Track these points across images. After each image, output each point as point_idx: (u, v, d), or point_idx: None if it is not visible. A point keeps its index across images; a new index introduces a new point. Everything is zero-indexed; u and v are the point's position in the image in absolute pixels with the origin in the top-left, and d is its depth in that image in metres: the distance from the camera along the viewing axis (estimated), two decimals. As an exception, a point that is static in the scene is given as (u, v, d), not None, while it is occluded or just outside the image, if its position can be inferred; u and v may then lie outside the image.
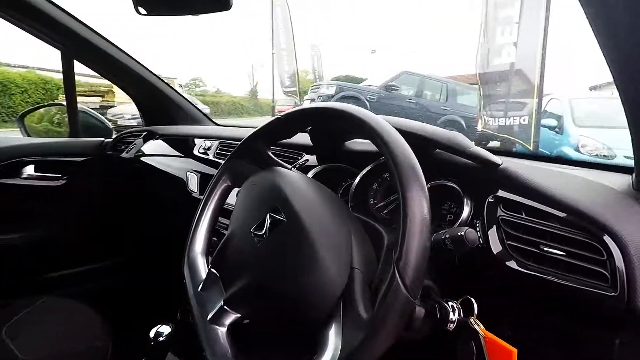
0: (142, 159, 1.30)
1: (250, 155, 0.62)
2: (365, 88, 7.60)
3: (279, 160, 0.61)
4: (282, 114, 0.58)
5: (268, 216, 0.49)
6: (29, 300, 0.96)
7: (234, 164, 0.63)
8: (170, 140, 1.29)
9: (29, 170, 1.24)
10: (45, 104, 1.51)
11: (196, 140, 1.17)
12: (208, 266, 0.58)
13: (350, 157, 0.81)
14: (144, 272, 1.44)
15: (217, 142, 1.07)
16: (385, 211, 0.73)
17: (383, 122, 0.45)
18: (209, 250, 0.62)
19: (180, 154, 1.19)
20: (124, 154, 1.35)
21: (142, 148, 1.33)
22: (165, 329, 0.76)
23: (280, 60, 11.83)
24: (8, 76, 9.01)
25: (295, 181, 0.53)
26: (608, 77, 0.43)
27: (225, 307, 0.50)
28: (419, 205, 0.38)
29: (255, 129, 0.61)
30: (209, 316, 0.51)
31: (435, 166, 0.61)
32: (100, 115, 1.55)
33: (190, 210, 1.08)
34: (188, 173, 1.05)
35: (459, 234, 0.42)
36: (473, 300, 0.45)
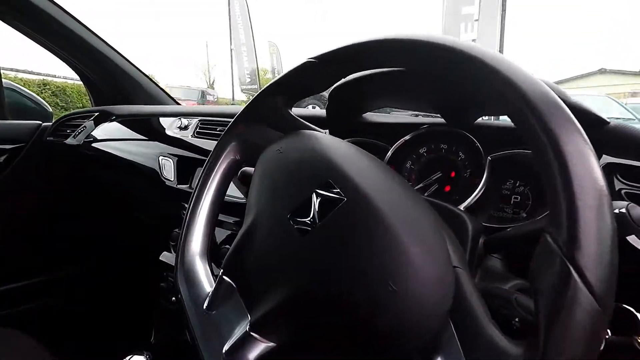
0: (95, 145, 1.05)
1: (267, 117, 0.44)
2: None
3: (309, 124, 0.44)
4: (315, 55, 0.41)
5: (314, 195, 0.33)
6: None
7: (242, 131, 0.45)
8: (129, 122, 1.06)
9: None
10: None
11: (164, 121, 0.96)
12: (214, 273, 0.40)
13: (373, 131, 0.67)
14: (102, 285, 1.18)
15: (196, 120, 0.87)
16: (425, 194, 0.59)
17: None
18: (212, 252, 0.44)
19: (144, 137, 0.97)
20: (69, 140, 1.09)
21: (93, 133, 1.08)
22: (139, 361, 0.57)
23: (239, 57, 11.43)
24: None
25: (344, 148, 0.37)
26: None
27: (252, 333, 0.33)
28: (588, 167, 0.23)
29: (273, 80, 0.44)
30: (226, 348, 0.34)
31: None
32: (35, 96, 1.26)
33: (165, 203, 0.87)
34: (161, 158, 0.84)
35: (620, 210, 0.29)
36: (634, 311, 0.32)
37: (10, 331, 0.78)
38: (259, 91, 0.44)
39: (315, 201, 0.33)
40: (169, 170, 0.82)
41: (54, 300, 1.11)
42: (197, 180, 0.45)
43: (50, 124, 1.16)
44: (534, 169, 0.50)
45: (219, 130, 0.82)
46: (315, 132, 0.41)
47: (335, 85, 0.58)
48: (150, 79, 1.31)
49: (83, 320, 1.13)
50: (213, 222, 0.44)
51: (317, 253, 0.31)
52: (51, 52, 1.13)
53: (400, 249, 0.28)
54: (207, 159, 0.46)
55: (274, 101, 0.44)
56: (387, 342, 0.28)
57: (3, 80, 1.18)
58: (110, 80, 1.22)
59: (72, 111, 1.17)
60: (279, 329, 0.33)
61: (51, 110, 1.29)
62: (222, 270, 0.38)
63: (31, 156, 1.10)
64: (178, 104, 1.37)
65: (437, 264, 0.28)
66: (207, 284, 0.39)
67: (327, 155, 0.35)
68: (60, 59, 1.15)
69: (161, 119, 0.96)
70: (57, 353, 0.76)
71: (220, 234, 0.71)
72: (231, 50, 11.99)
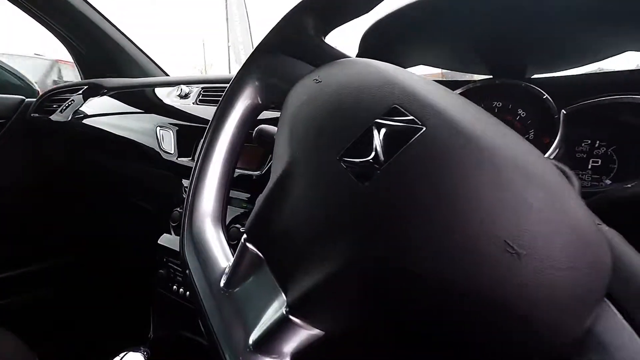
0: (84, 121, 0.94)
1: (296, 46, 0.34)
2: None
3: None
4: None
5: (375, 127, 0.23)
6: None
7: (264, 64, 0.35)
8: (122, 95, 0.95)
9: None
10: None
11: (160, 92, 0.85)
12: (233, 242, 0.30)
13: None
14: (96, 276, 1.08)
15: (198, 87, 0.77)
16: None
17: None
18: (225, 217, 0.34)
19: (140, 110, 0.86)
20: (55, 116, 0.98)
21: (81, 108, 0.97)
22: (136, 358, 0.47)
23: (237, 54, 11.31)
24: None
25: (410, 73, 0.27)
26: None
27: (290, 316, 0.23)
28: None
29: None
30: (254, 337, 0.24)
31: None
32: (17, 71, 1.15)
33: (163, 181, 0.77)
34: (159, 129, 0.74)
35: None
36: None
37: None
38: (287, 12, 0.34)
39: (378, 134, 0.23)
40: (168, 142, 0.71)
41: (43, 291, 1.01)
42: (208, 128, 0.35)
43: (34, 99, 1.05)
44: (623, 123, 0.41)
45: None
46: (363, 59, 0.31)
47: (369, 27, 0.48)
48: (145, 54, 1.21)
49: (75, 313, 1.02)
50: (228, 180, 0.34)
51: (384, 204, 0.21)
52: (37, 20, 1.02)
53: (519, 194, 0.18)
54: (220, 101, 0.36)
55: (305, 25, 0.34)
56: (511, 338, 0.18)
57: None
58: (102, 53, 1.11)
59: (58, 85, 1.06)
60: (331, 310, 0.23)
61: (37, 88, 1.18)
62: (244, 237, 0.28)
63: (14, 134, 0.99)
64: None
65: (575, 216, 0.18)
66: (223, 256, 0.29)
67: (390, 77, 0.25)
68: (47, 29, 1.04)
69: (157, 90, 0.86)
70: (47, 348, 0.67)
71: (230, 213, 0.61)
72: (228, 47, 11.90)
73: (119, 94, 0.96)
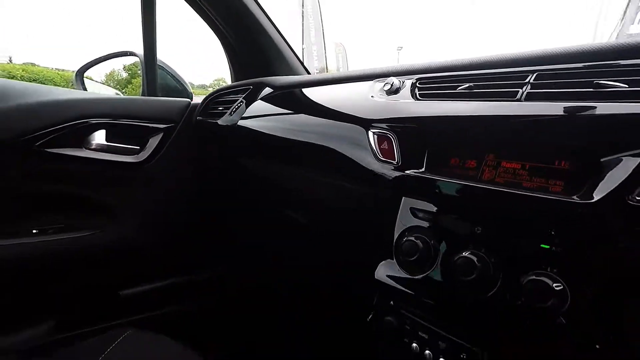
0: (253, 125, 0.88)
1: None
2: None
3: None
4: None
5: None
6: (106, 328, 0.62)
7: None
8: (291, 95, 0.86)
9: (99, 137, 0.85)
10: (114, 52, 1.13)
11: (354, 88, 0.74)
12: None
13: None
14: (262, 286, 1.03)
15: (410, 79, 0.63)
16: None
17: None
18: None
19: (314, 113, 0.75)
20: (222, 120, 0.94)
21: (249, 110, 0.91)
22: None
23: (310, 55, 11.50)
24: (47, 75, 9.32)
25: None
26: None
27: None
28: None
29: None
30: None
31: None
32: (179, 75, 1.15)
33: (370, 195, 0.65)
34: (371, 133, 0.61)
35: None
36: None
37: (154, 335, 0.64)
38: None
39: None
40: (387, 149, 0.59)
41: (207, 299, 0.99)
42: None
43: (199, 102, 1.03)
44: None
45: (451, 88, 0.57)
46: None
47: None
48: (293, 50, 1.13)
49: (235, 326, 0.98)
50: None
51: None
52: (206, 21, 1.00)
53: None
54: None
55: None
56: None
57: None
58: (256, 50, 1.06)
59: (220, 87, 1.03)
60: None
61: (191, 90, 1.18)
62: None
63: (181, 137, 0.98)
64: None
65: None
66: None
67: None
68: (213, 29, 1.02)
69: (349, 86, 0.75)
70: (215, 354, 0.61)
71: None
72: (302, 49, 12.19)
73: (288, 93, 0.87)
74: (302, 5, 11.17)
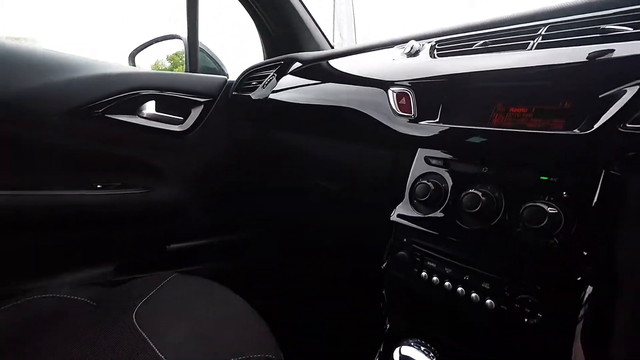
0: (283, 97, 0.95)
1: None
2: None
3: None
4: None
5: None
6: (151, 274, 0.70)
7: None
8: (320, 67, 0.93)
9: (150, 107, 0.97)
10: (162, 36, 1.26)
11: (376, 56, 0.79)
12: None
13: None
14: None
15: (430, 42, 0.68)
16: None
17: None
18: None
19: (339, 81, 0.81)
20: (254, 94, 1.03)
21: (280, 83, 0.99)
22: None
23: (341, 33, 11.52)
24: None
25: None
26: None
27: None
28: None
29: None
30: None
31: None
32: (217, 57, 1.26)
33: (390, 149, 0.71)
34: (391, 91, 0.67)
35: None
36: None
37: (197, 278, 0.72)
38: None
39: None
40: (404, 104, 0.64)
41: (236, 259, 1.08)
42: None
43: (235, 80, 1.13)
44: None
45: (468, 46, 0.61)
46: None
47: None
48: (320, 29, 1.20)
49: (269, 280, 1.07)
50: None
51: None
52: (244, 5, 1.09)
53: None
54: None
55: None
56: None
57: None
58: (288, 30, 1.14)
59: (255, 64, 1.12)
60: None
61: (227, 71, 1.28)
62: None
63: (220, 111, 1.08)
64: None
65: None
66: None
67: None
68: (249, 11, 1.11)
69: (371, 55, 0.80)
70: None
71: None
72: (334, 26, 12.22)
73: (316, 66, 0.94)
74: (334, 4, 11.24)
